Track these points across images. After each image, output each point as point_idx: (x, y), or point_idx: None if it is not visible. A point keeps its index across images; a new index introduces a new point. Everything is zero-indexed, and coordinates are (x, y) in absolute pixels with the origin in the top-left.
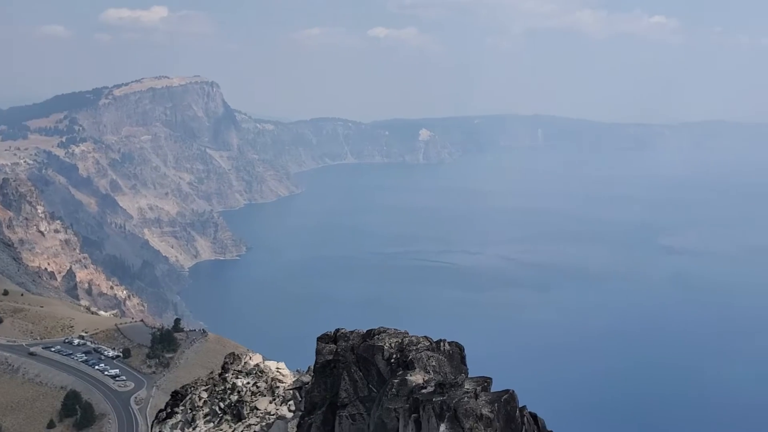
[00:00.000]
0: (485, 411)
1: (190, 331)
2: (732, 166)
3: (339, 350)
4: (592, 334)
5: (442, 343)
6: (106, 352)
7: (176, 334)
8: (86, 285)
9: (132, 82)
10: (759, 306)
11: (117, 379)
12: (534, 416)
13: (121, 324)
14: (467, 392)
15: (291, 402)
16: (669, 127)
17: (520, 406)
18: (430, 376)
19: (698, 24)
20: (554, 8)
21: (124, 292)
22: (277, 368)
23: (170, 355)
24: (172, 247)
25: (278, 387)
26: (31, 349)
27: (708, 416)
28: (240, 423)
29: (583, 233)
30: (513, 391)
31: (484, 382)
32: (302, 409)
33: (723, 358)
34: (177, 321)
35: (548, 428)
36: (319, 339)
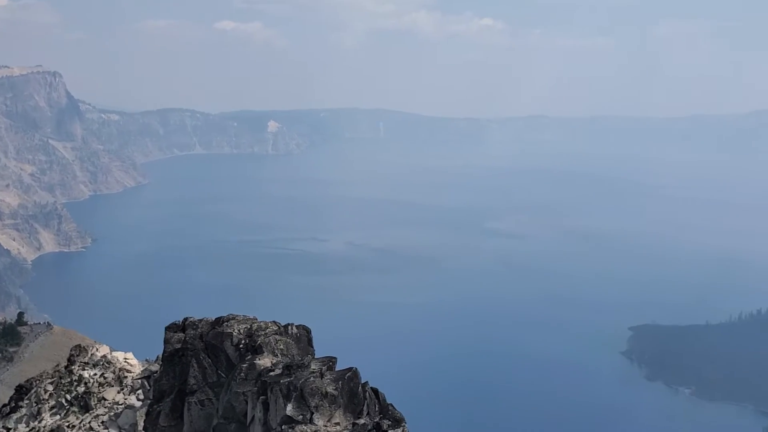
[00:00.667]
0: (330, 389)
1: (35, 324)
2: (551, 157)
3: (187, 338)
4: (429, 312)
5: (289, 327)
6: None
7: (20, 328)
8: None
9: None
10: (573, 283)
11: None
12: (375, 391)
13: None
14: (313, 372)
15: (140, 391)
16: (496, 121)
17: (363, 382)
18: (278, 359)
19: (521, 26)
20: (393, 8)
21: None
22: (125, 358)
23: (14, 350)
24: (14, 240)
25: (126, 377)
26: None
27: (535, 386)
28: (87, 414)
29: (420, 219)
30: (356, 369)
31: (329, 362)
32: (151, 397)
33: (544, 330)
34: (20, 315)
35: (388, 402)
36: (167, 328)
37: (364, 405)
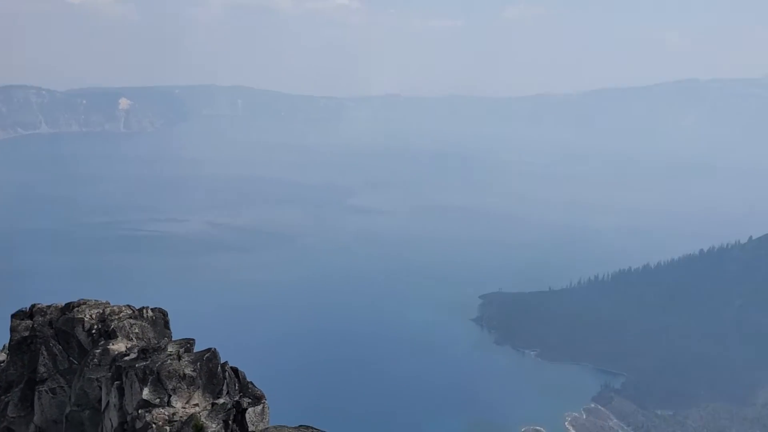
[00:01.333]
0: (188, 371)
1: None
2: (407, 135)
3: (36, 326)
4: (290, 289)
5: (145, 311)
6: None
7: None
8: None
9: None
10: (428, 256)
11: None
12: (235, 370)
13: None
14: (170, 355)
15: None
16: (353, 100)
17: (222, 362)
18: (133, 343)
19: (376, 5)
20: None
21: None
22: None
23: None
24: None
25: None
26: None
27: (393, 356)
28: None
29: (281, 196)
30: (214, 349)
31: (187, 344)
32: None
33: (401, 302)
34: None
35: (249, 380)
36: (13, 316)
37: (223, 384)
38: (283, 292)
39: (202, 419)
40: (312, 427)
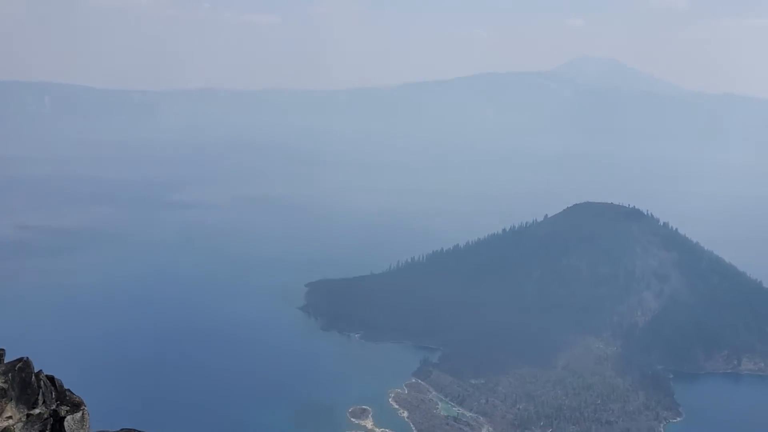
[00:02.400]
0: None
1: None
2: (224, 129)
3: None
4: (112, 289)
5: None
6: None
7: None
8: None
9: None
10: (253, 247)
11: None
12: (51, 378)
13: None
14: None
15: None
16: (169, 94)
17: (37, 371)
18: None
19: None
20: None
21: None
22: None
23: None
24: None
25: None
26: None
27: (223, 348)
28: None
29: (98, 195)
30: (27, 358)
31: None
32: None
33: (229, 294)
34: None
35: (67, 387)
36: None
37: (38, 394)
38: (104, 293)
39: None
40: (135, 430)
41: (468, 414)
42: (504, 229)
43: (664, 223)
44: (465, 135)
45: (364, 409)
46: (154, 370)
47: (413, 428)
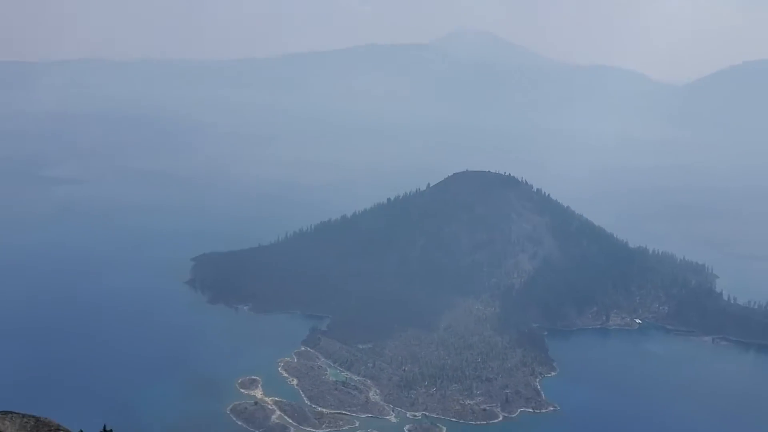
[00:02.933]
0: None
1: None
2: (106, 100)
3: None
4: None
5: None
6: None
7: None
8: None
9: None
10: (137, 221)
11: None
12: None
13: None
14: None
15: None
16: (46, 65)
17: None
18: None
19: None
20: None
21: None
22: None
23: None
24: None
25: None
26: None
27: (100, 320)
28: None
29: None
30: None
31: None
32: None
33: (112, 270)
34: None
35: None
36: None
37: None
38: None
39: None
40: (13, 412)
41: (356, 378)
42: (389, 199)
43: (537, 190)
44: (348, 106)
45: (254, 380)
46: (33, 343)
47: (303, 395)
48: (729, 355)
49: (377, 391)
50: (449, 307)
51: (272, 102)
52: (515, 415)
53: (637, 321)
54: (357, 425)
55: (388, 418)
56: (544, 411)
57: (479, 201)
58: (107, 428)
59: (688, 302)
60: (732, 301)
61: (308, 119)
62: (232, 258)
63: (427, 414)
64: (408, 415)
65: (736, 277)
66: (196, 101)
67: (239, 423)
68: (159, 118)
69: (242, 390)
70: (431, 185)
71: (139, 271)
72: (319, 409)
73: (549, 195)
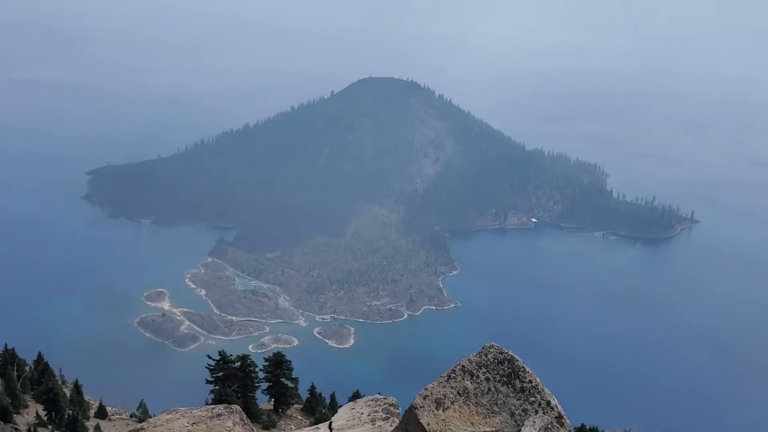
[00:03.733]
0: None
1: None
2: None
3: None
4: None
5: None
6: None
7: None
8: None
9: None
10: (17, 136)
11: None
12: None
13: None
14: None
15: None
16: None
17: None
18: None
19: None
20: None
21: None
22: None
23: None
24: None
25: None
26: None
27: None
28: None
29: None
30: None
31: None
32: None
33: (6, 189)
34: None
35: None
36: None
37: None
38: None
39: None
40: None
41: (265, 286)
42: (292, 107)
43: (439, 95)
44: (246, 9)
45: (161, 292)
46: None
47: (211, 305)
48: (617, 248)
49: (286, 297)
50: (355, 213)
51: (166, 4)
52: (419, 313)
53: (533, 220)
54: (267, 330)
55: (297, 322)
56: (446, 308)
57: (383, 108)
58: (8, 347)
59: (581, 200)
60: (621, 199)
61: (204, 23)
62: (130, 171)
63: (335, 316)
64: (317, 319)
65: (625, 176)
66: (79, 3)
67: (147, 335)
68: (36, 22)
69: (149, 303)
70: (335, 92)
71: (31, 189)
72: (229, 317)
73: (450, 100)
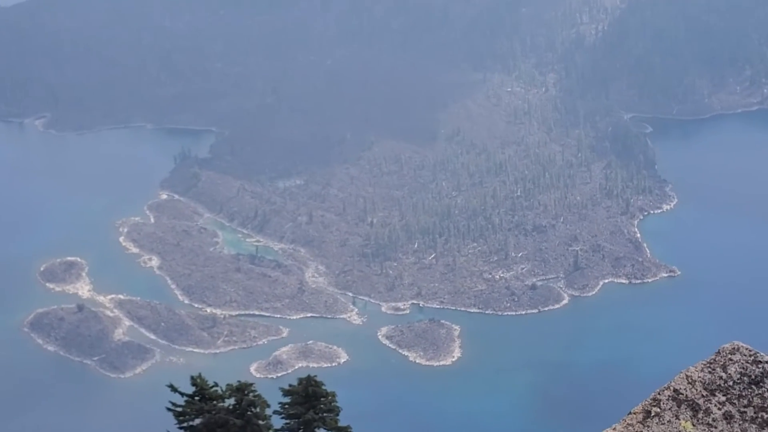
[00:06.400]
0: None
1: None
2: None
3: None
4: None
5: None
6: None
7: None
8: None
9: None
10: None
11: None
12: None
13: None
14: None
15: None
16: None
17: None
18: None
19: None
20: None
21: None
22: None
23: None
24: None
25: None
26: None
27: None
28: None
29: None
30: None
31: None
32: None
33: None
34: None
35: None
36: None
37: None
38: None
39: None
40: None
41: (277, 247)
42: None
43: None
44: None
45: (72, 263)
46: None
47: (173, 286)
48: None
49: (320, 268)
50: (455, 92)
51: None
52: (594, 292)
53: None
54: (285, 335)
55: (344, 316)
56: (650, 280)
57: None
58: None
59: None
60: None
61: None
62: None
63: (420, 303)
64: (384, 309)
65: None
66: None
67: (50, 348)
68: None
69: (50, 285)
70: None
71: None
72: (209, 309)
73: None
